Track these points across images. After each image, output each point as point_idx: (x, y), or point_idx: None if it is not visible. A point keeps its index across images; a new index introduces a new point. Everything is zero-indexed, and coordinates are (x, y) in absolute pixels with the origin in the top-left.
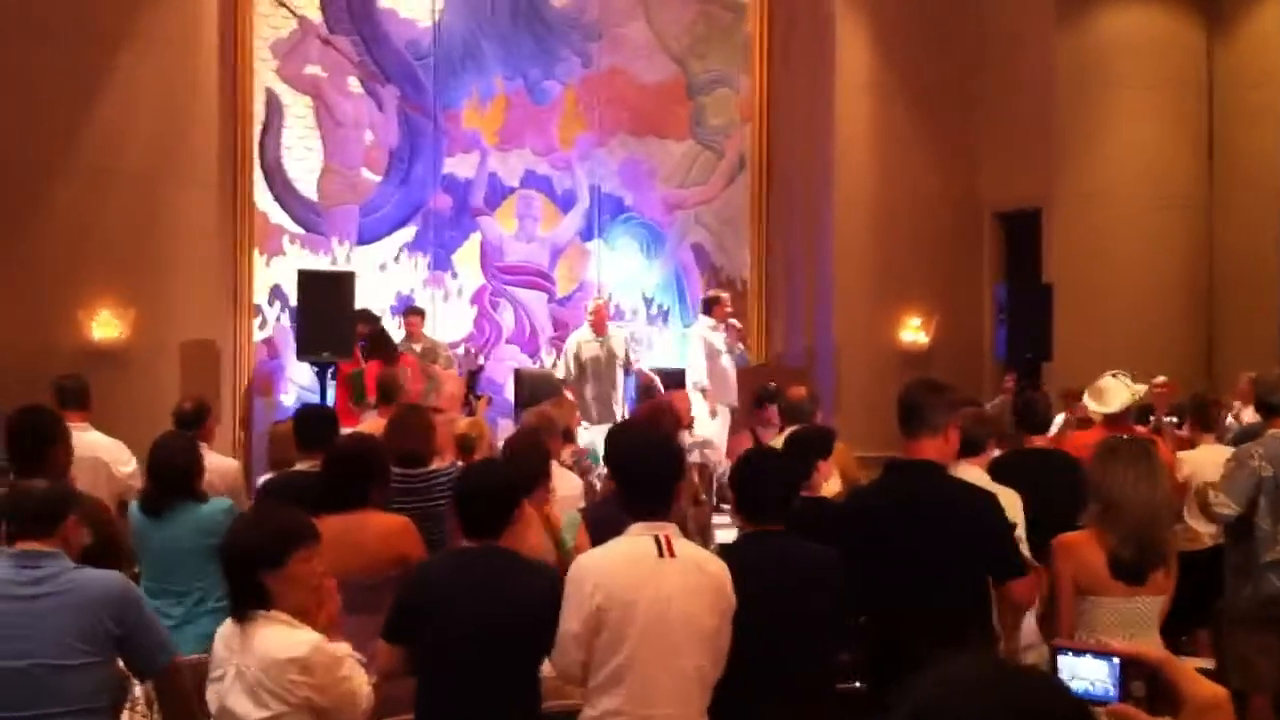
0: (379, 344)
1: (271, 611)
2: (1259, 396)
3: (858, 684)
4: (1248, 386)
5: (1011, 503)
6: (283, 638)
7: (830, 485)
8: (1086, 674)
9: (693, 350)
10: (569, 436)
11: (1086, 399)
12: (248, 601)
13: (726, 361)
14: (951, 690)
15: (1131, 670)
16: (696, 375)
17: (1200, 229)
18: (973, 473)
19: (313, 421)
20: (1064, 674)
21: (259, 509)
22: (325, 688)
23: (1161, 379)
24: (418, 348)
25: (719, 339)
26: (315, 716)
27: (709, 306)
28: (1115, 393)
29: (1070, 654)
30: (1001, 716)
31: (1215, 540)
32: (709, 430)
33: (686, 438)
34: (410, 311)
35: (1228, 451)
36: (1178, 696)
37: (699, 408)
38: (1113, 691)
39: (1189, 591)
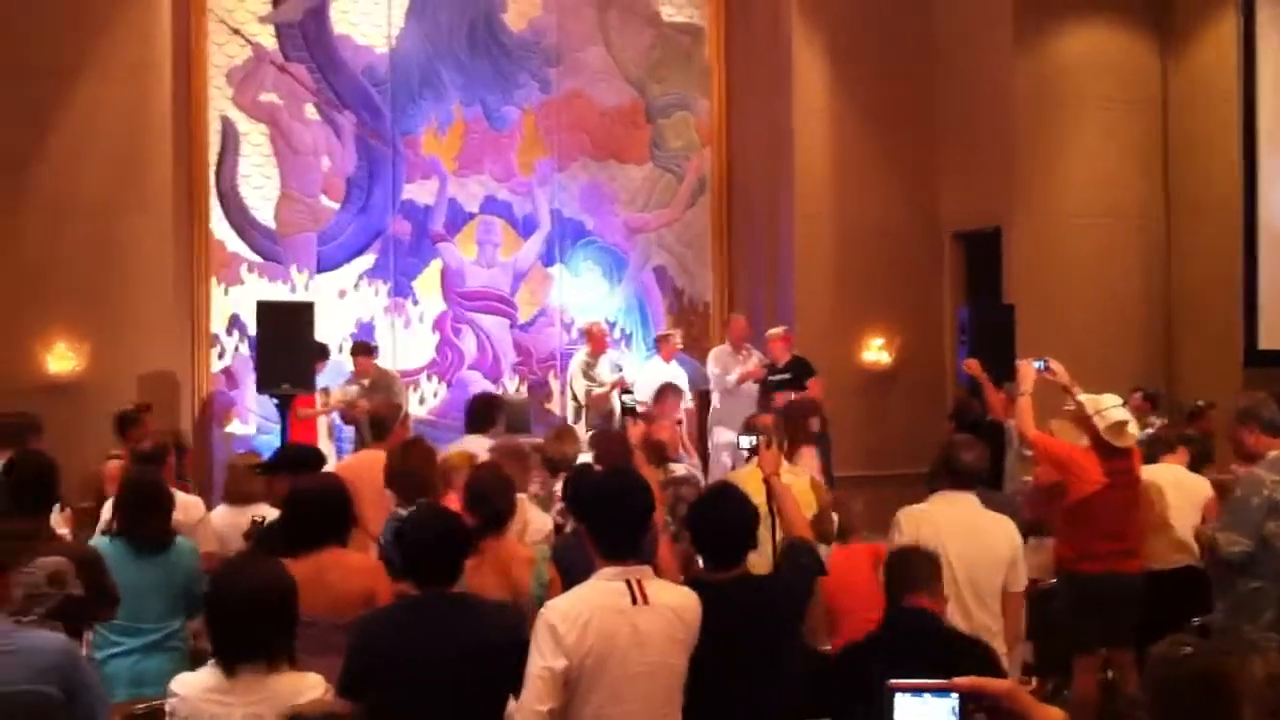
0: None
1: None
2: (1259, 419)
3: None
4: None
5: (1007, 529)
6: (296, 681)
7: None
8: (924, 713)
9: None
10: (562, 466)
11: (1108, 435)
12: (257, 650)
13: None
14: None
15: (971, 705)
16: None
17: (1158, 246)
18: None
19: (301, 463)
20: (900, 714)
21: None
22: None
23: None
24: (366, 382)
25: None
26: None
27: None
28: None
29: (908, 695)
30: None
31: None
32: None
33: (677, 468)
34: (356, 350)
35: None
36: None
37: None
38: None
39: (1164, 608)
